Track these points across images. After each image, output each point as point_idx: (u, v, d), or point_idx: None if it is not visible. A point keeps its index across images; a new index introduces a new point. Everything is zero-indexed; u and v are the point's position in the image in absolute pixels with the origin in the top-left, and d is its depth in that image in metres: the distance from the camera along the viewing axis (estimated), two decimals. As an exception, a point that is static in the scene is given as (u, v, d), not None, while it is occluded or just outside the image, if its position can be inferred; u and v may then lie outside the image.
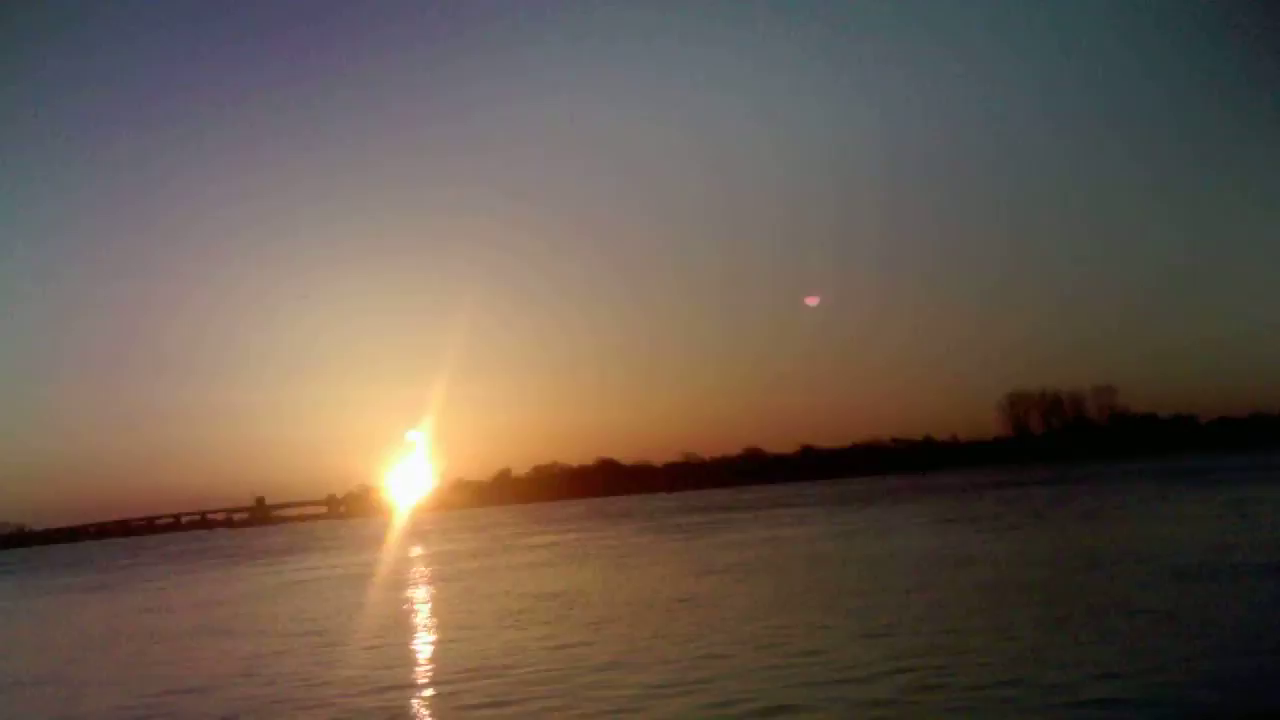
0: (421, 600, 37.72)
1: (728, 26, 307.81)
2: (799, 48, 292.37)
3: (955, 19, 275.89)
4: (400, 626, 29.79)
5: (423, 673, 21.27)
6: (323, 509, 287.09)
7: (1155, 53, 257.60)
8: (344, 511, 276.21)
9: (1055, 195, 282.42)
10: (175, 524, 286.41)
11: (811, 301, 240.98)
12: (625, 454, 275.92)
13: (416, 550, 74.87)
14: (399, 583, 46.67)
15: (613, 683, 18.15)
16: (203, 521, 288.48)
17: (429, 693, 18.98)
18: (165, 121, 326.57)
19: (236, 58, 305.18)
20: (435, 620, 30.74)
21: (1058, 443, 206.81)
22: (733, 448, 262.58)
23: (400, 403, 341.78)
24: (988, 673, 16.38)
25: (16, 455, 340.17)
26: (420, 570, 53.94)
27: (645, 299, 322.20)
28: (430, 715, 17.19)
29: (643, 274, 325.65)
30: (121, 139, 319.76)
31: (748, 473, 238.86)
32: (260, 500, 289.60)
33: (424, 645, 25.35)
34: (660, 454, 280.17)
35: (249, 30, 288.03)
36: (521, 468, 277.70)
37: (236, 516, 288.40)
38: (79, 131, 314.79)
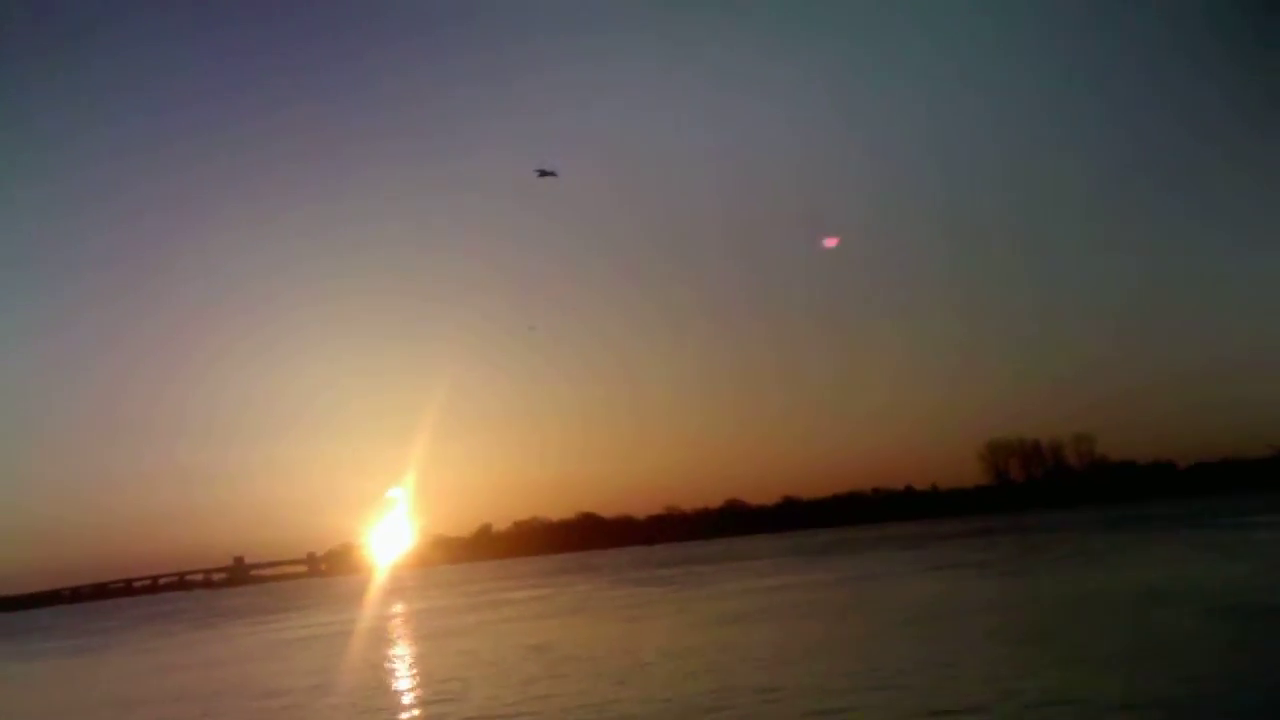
0: (413, 657, 37.74)
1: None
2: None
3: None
4: (393, 685, 29.87)
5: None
6: (303, 568, 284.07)
7: (1115, 70, 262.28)
8: (324, 570, 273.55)
9: (1034, 245, 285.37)
10: (153, 586, 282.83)
11: (831, 242, 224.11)
12: (606, 508, 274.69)
13: (398, 607, 74.45)
14: (384, 640, 46.64)
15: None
16: (181, 583, 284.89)
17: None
18: (136, 168, 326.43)
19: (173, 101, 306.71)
20: (437, 676, 30.74)
21: (1038, 490, 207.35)
22: (714, 499, 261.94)
23: (381, 461, 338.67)
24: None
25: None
26: (404, 627, 53.85)
27: (625, 354, 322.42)
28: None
29: (622, 329, 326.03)
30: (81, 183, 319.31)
31: (730, 524, 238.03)
32: (239, 560, 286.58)
33: (429, 702, 25.46)
34: (641, 507, 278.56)
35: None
36: (502, 523, 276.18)
37: (215, 577, 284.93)
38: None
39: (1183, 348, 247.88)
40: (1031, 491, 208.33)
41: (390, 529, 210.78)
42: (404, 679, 31.02)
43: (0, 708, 37.71)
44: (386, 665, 35.45)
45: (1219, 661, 19.81)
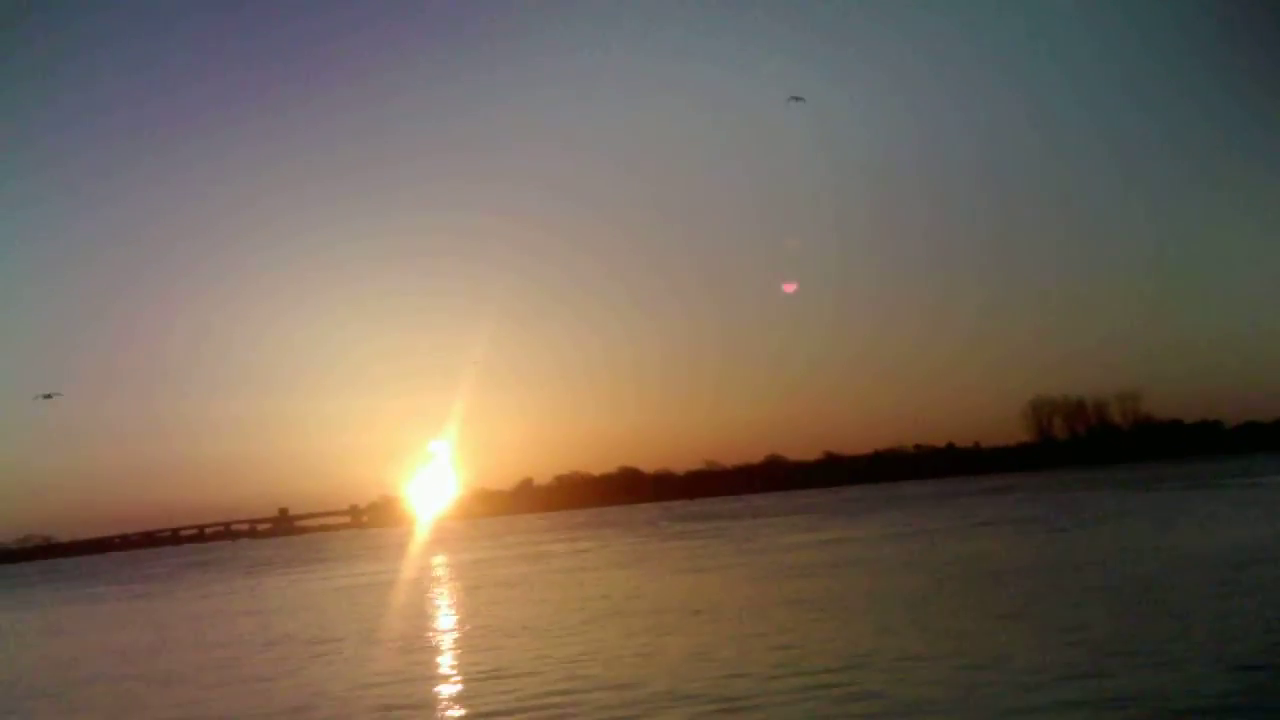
0: (462, 607, 38.00)
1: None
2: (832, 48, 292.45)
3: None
4: (447, 632, 30.05)
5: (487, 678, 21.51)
6: (345, 519, 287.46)
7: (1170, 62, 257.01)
8: (366, 521, 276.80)
9: (1077, 200, 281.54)
10: (199, 535, 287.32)
11: (789, 289, 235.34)
12: (647, 462, 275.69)
13: (442, 558, 75.13)
14: (433, 590, 47.14)
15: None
16: (226, 532, 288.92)
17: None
18: (182, 130, 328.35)
19: (244, 62, 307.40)
20: (488, 625, 30.88)
21: (1081, 448, 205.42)
22: (755, 455, 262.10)
23: (423, 413, 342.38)
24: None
25: (42, 467, 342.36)
26: (451, 578, 54.35)
27: (669, 308, 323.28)
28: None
29: (667, 282, 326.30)
30: (132, 145, 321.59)
31: (770, 480, 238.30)
32: (283, 511, 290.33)
33: (485, 648, 25.58)
34: (682, 462, 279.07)
35: (256, 31, 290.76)
36: (544, 477, 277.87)
37: (260, 527, 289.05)
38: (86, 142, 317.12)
39: (1232, 304, 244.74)
40: (1075, 449, 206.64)
41: (432, 481, 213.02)
42: (455, 627, 31.21)
43: (80, 646, 38.24)
44: (438, 614, 35.70)
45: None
